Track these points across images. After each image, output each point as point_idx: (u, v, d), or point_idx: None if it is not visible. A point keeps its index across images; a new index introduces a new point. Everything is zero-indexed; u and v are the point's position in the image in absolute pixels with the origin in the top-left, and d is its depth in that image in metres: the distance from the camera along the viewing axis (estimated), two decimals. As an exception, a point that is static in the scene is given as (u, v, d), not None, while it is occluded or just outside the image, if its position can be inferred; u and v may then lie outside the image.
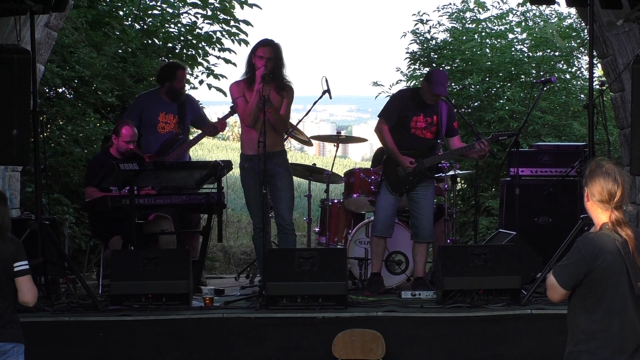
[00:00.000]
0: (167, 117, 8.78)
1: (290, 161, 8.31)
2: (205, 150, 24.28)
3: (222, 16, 12.22)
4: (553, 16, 14.03)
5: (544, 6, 13.36)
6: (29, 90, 6.99)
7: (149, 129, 8.75)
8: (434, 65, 13.17)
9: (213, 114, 15.11)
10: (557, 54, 13.42)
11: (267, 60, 7.78)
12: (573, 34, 13.52)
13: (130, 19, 12.16)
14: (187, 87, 9.67)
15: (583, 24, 12.37)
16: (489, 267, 7.27)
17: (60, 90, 11.10)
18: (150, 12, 12.33)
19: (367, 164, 12.03)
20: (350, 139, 10.34)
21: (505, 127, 12.21)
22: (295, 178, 8.46)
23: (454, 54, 13.22)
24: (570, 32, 13.52)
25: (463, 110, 12.73)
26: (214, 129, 8.82)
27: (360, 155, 36.51)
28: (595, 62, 8.18)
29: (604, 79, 9.19)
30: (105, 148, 8.60)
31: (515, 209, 7.77)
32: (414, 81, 13.23)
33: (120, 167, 7.52)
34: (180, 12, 12.38)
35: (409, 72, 13.72)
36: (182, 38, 12.19)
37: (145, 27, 12.16)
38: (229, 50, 12.31)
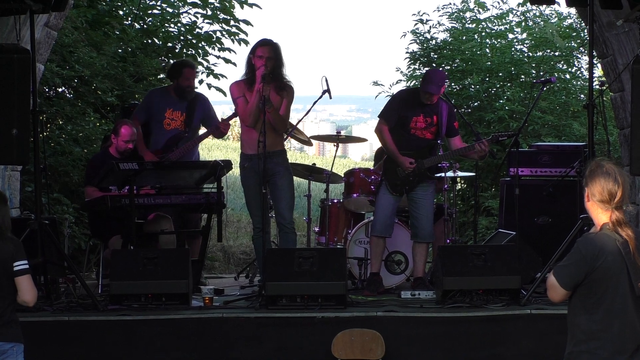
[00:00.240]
0: (174, 114, 8.72)
1: (290, 161, 8.29)
2: (205, 150, 24.25)
3: (222, 16, 12.24)
4: (553, 16, 14.05)
5: (544, 6, 13.36)
6: (29, 90, 6.98)
7: (157, 124, 8.72)
8: (434, 65, 13.17)
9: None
10: (557, 54, 13.42)
11: (267, 59, 7.77)
12: (573, 34, 13.52)
13: (130, 19, 12.17)
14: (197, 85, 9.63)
15: (583, 24, 12.37)
16: (488, 267, 7.26)
17: (60, 89, 11.10)
18: (150, 11, 12.35)
19: (367, 164, 12.06)
20: (350, 139, 10.33)
21: (505, 127, 12.21)
22: (295, 178, 8.44)
23: (453, 54, 13.23)
24: (570, 32, 13.52)
25: (463, 110, 12.73)
26: (217, 129, 8.77)
27: (360, 155, 36.51)
28: (595, 62, 8.18)
29: (603, 79, 9.19)
30: (104, 147, 8.60)
31: (515, 209, 7.77)
32: (414, 81, 13.23)
33: (119, 167, 7.51)
34: (180, 11, 12.40)
35: (409, 72, 13.74)
36: (182, 38, 12.20)
37: (145, 26, 12.17)
38: (229, 50, 12.34)
